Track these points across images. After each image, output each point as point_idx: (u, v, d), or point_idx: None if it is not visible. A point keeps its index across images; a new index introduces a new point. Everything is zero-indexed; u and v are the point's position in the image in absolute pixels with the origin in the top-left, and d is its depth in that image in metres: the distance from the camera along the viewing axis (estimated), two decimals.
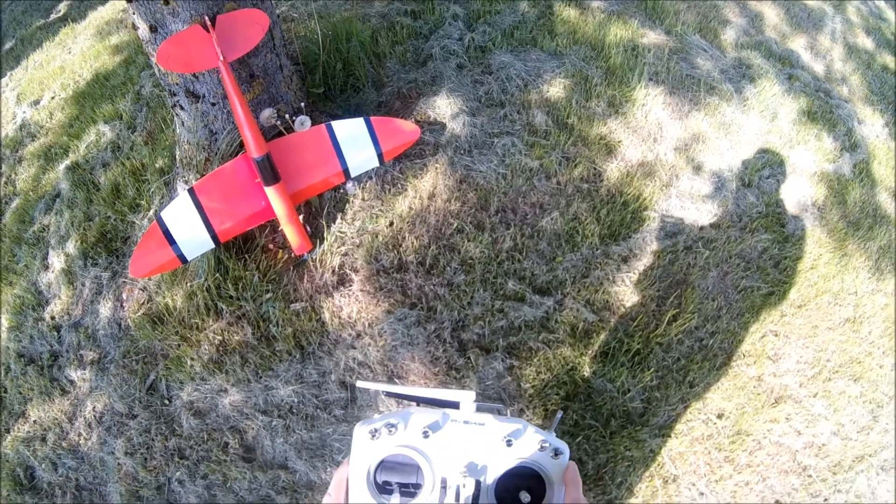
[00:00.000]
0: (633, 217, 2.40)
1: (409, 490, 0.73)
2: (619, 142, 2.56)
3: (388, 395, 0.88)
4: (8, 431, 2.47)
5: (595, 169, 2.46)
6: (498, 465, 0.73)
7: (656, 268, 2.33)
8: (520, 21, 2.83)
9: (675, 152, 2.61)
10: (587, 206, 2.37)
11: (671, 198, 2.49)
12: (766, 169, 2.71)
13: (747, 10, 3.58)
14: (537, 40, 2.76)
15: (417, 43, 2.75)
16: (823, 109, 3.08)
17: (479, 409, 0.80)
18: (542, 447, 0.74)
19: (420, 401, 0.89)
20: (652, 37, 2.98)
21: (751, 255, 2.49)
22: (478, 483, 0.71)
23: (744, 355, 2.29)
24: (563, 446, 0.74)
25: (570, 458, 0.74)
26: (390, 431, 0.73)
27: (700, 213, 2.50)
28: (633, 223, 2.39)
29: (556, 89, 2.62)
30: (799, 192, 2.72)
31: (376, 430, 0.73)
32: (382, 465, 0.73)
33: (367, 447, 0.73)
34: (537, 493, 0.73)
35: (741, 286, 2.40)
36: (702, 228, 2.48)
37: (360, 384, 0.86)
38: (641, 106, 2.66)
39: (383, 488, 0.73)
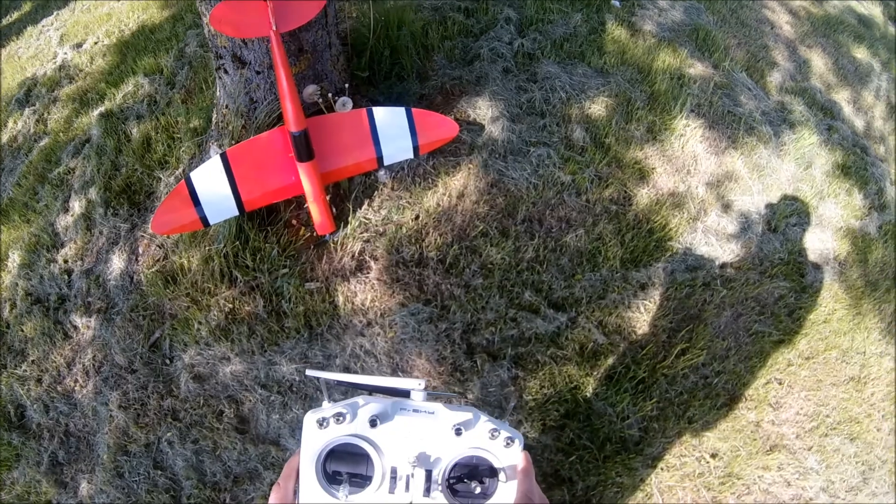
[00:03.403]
0: (657, 246, 2.39)
1: (359, 480, 0.71)
2: (653, 169, 2.55)
3: (339, 384, 0.86)
4: (4, 367, 2.44)
5: (626, 192, 2.45)
6: (448, 454, 0.72)
7: (672, 299, 2.33)
8: (571, 34, 2.80)
9: (707, 187, 2.60)
10: (613, 228, 2.36)
11: (697, 232, 2.48)
12: (793, 216, 2.69)
13: (796, 56, 3.55)
14: (586, 55, 2.74)
15: (467, 41, 2.72)
16: (858, 165, 3.05)
17: (428, 398, 0.78)
18: (492, 436, 0.72)
19: (371, 390, 0.86)
20: (699, 68, 2.96)
21: (767, 300, 2.48)
22: (428, 473, 0.70)
23: (746, 399, 2.29)
24: (517, 434, 0.72)
25: (525, 448, 0.73)
26: (338, 420, 0.72)
27: (723, 251, 2.49)
28: (655, 252, 2.38)
29: (597, 107, 2.60)
30: (822, 245, 2.70)
31: (324, 419, 0.71)
32: (332, 455, 0.72)
33: (315, 436, 0.72)
34: (490, 482, 0.72)
35: (753, 330, 2.39)
36: (722, 267, 2.47)
37: (309, 372, 0.82)
38: (680, 136, 2.65)
39: (333, 478, 0.71)
